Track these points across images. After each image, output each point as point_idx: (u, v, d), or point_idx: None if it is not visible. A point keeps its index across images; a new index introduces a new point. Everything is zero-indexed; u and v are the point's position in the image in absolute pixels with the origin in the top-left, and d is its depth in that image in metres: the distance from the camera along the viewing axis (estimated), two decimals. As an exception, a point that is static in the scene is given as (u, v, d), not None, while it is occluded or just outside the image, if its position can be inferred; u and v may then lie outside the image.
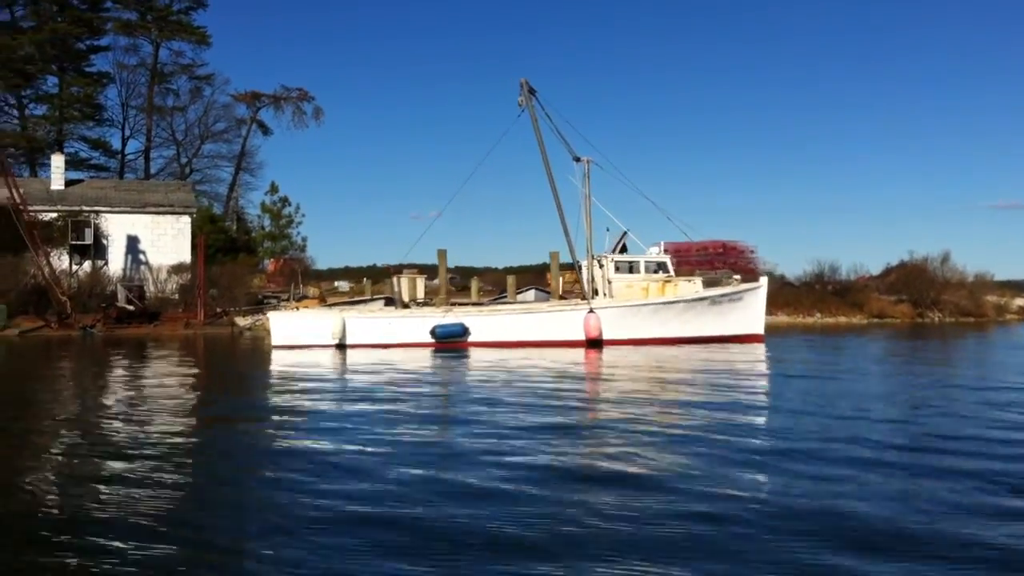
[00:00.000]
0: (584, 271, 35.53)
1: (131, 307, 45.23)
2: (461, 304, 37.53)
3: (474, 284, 44.95)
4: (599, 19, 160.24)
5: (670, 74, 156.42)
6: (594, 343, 33.06)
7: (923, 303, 59.98)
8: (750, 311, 35.51)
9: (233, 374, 26.06)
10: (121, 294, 46.06)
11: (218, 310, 48.08)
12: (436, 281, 69.23)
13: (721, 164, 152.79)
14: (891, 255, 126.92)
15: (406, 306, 36.69)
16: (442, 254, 38.69)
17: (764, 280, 36.91)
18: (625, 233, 36.97)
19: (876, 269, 69.79)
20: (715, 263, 65.92)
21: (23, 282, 45.51)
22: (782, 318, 56.90)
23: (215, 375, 25.48)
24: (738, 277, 37.19)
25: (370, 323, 33.21)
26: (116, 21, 78.50)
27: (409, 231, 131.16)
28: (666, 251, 66.23)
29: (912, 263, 64.08)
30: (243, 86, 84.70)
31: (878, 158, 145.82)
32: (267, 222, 78.46)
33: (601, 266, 35.16)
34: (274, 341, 32.89)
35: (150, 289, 51.96)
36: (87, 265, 52.01)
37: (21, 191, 52.24)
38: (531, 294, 43.45)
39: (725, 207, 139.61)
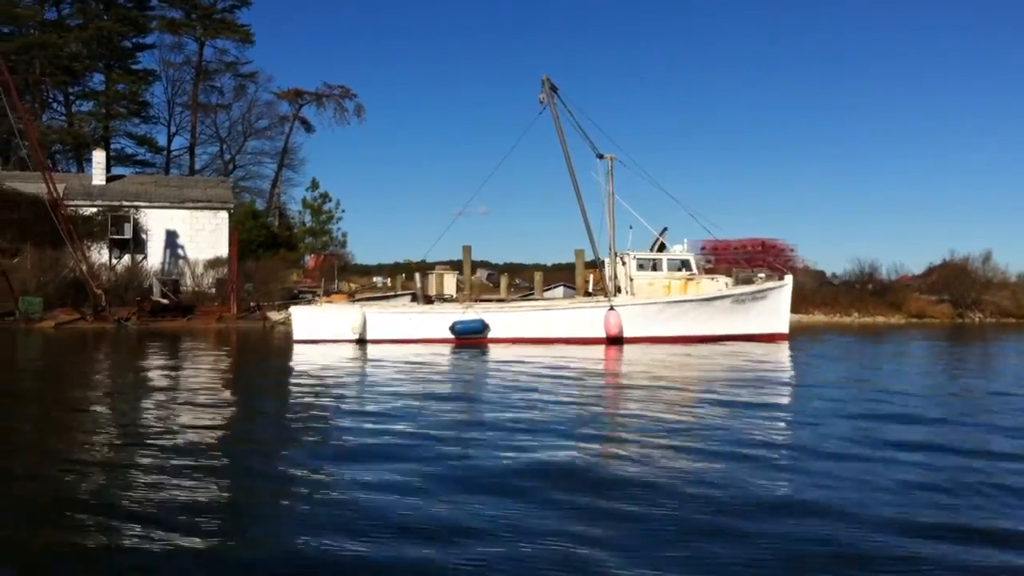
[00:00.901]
0: (607, 268, 35.43)
1: (165, 301, 45.87)
2: (483, 300, 37.58)
3: (503, 280, 45.04)
4: (638, 15, 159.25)
5: (709, 70, 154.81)
6: (614, 340, 32.94)
7: (963, 303, 58.95)
8: (774, 309, 35.19)
9: (250, 367, 26.37)
10: (156, 288, 46.73)
11: (252, 304, 48.61)
12: (475, 276, 69.71)
13: (762, 162, 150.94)
14: (934, 254, 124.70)
15: (429, 301, 36.84)
16: (467, 250, 38.90)
17: (789, 278, 36.51)
18: (664, 230, 36.86)
19: (919, 268, 68.91)
20: (754, 261, 65.53)
21: (62, 276, 46.33)
22: (819, 317, 56.29)
23: (230, 368, 25.77)
24: (763, 275, 36.85)
25: (390, 318, 33.39)
26: (161, 19, 79.90)
27: (453, 227, 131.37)
28: (702, 248, 66.74)
29: (953, 262, 63.09)
30: (286, 83, 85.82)
31: (922, 156, 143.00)
32: (308, 218, 79.22)
33: (624, 264, 35.02)
34: (295, 335, 33.21)
35: (187, 283, 52.74)
36: (126, 259, 52.96)
37: (63, 187, 53.39)
38: (559, 291, 43.43)
39: (767, 206, 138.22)
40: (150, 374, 22.98)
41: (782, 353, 30.52)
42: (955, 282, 60.17)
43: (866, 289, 61.74)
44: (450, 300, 38.65)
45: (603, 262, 35.71)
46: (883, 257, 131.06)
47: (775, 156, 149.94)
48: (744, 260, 66.07)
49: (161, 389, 19.20)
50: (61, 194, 52.00)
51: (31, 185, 49.20)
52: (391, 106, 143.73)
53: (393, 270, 76.85)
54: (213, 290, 51.27)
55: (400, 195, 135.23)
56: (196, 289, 52.26)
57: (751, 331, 34.41)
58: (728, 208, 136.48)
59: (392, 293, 42.11)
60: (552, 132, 35.48)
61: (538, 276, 43.46)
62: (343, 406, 16.43)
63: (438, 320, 33.10)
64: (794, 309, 56.70)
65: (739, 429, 13.28)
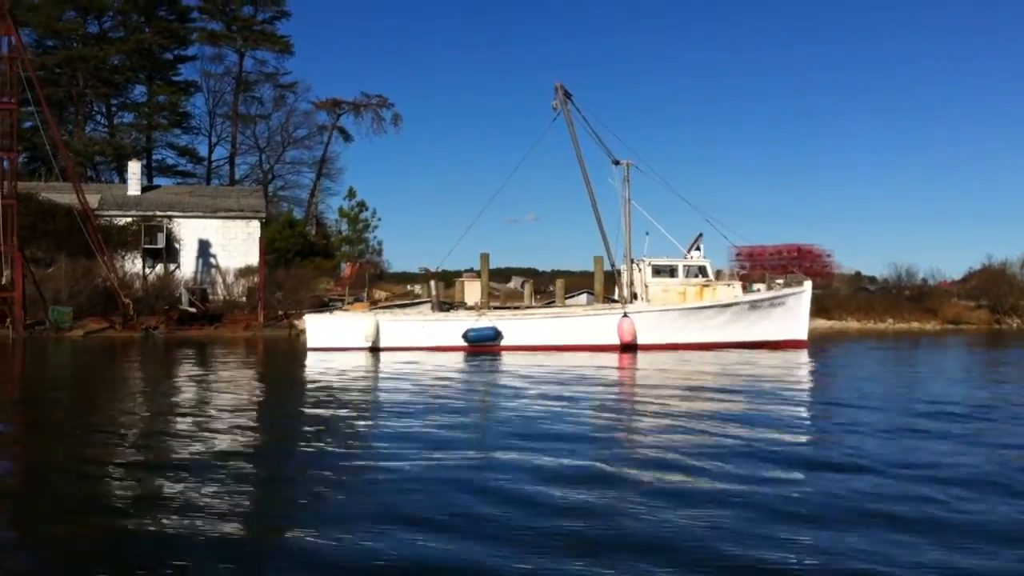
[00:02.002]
0: (624, 274, 35.29)
1: (192, 309, 46.46)
2: (497, 308, 37.56)
3: (527, 288, 44.92)
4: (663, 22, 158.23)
5: (737, 75, 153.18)
6: (628, 347, 32.79)
7: (1001, 309, 57.79)
8: (793, 315, 34.75)
9: (262, 376, 26.55)
10: (184, 297, 47.36)
11: (280, 312, 49.07)
12: (511, 284, 69.64)
13: (800, 167, 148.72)
14: (974, 259, 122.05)
15: (444, 309, 36.89)
16: (484, 258, 38.94)
17: (808, 284, 36.04)
18: (700, 235, 36.64)
19: (958, 273, 67.77)
20: (790, 267, 64.93)
21: (94, 285, 47.13)
22: (852, 324, 55.55)
23: (242, 375, 25.99)
24: (780, 281, 36.47)
25: (403, 326, 33.53)
26: (202, 31, 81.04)
27: (503, 234, 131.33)
28: (737, 255, 66.24)
29: (991, 267, 61.91)
30: (324, 93, 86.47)
31: (963, 160, 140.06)
32: (344, 226, 79.71)
33: (640, 270, 34.86)
34: (308, 343, 33.47)
35: (219, 292, 53.41)
36: (160, 268, 53.77)
37: (98, 197, 54.40)
38: (583, 298, 43.21)
39: (805, 212, 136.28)
40: (155, 382, 23.35)
41: (799, 360, 30.11)
42: (993, 287, 59.05)
43: (902, 295, 60.77)
44: (466, 307, 38.66)
45: (619, 270, 35.59)
46: (921, 262, 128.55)
47: (812, 161, 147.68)
48: (780, 266, 65.51)
49: (159, 395, 19.50)
50: (96, 204, 53.07)
51: (67, 196, 50.11)
52: (429, 114, 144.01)
53: (426, 278, 76.99)
54: (244, 299, 51.84)
55: (438, 203, 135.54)
56: (227, 298, 52.91)
57: (768, 337, 34.03)
58: (766, 214, 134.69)
59: (414, 301, 42.08)
60: (575, 138, 35.49)
61: (559, 283, 43.33)
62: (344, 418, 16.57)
63: (451, 328, 33.18)
64: (827, 315, 56.27)
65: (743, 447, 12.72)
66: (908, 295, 60.76)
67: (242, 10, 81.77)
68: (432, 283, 39.12)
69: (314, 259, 67.04)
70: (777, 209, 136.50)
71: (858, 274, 70.20)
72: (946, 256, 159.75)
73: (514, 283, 73.73)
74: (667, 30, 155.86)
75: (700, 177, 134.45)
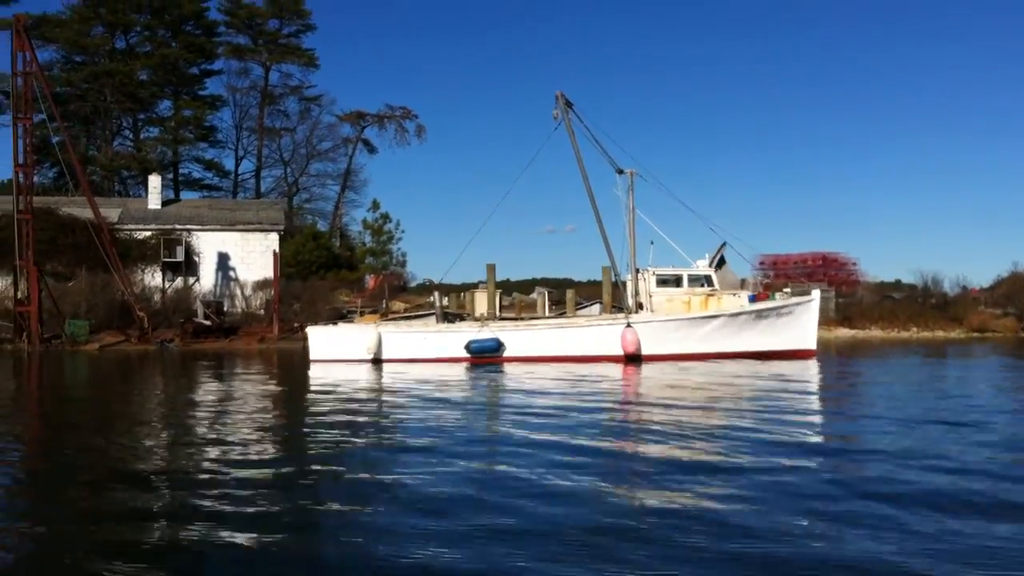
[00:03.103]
0: (629, 284, 35.01)
1: (207, 322, 46.75)
2: (503, 319, 37.41)
3: (540, 299, 44.76)
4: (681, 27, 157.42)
5: (766, 82, 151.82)
6: (633, 358, 32.47)
7: (1028, 316, 56.67)
8: (800, 325, 34.25)
9: (265, 389, 26.51)
10: (200, 310, 47.69)
11: (295, 325, 49.21)
12: (533, 295, 69.43)
13: (825, 175, 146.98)
14: (1001, 267, 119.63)
15: (449, 320, 36.80)
16: (491, 268, 38.94)
17: (816, 293, 35.51)
18: (723, 244, 36.33)
19: (986, 281, 66.57)
20: (815, 275, 64.25)
21: (112, 298, 47.58)
22: (876, 333, 54.76)
23: (245, 388, 25.99)
24: (788, 290, 35.98)
25: (405, 338, 33.43)
26: (228, 46, 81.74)
27: (541, 245, 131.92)
28: (760, 263, 65.62)
29: (1018, 274, 60.75)
30: (348, 106, 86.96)
31: (989, 165, 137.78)
32: (368, 238, 79.99)
33: (644, 280, 34.55)
34: (311, 356, 33.48)
35: (238, 304, 53.76)
36: (179, 281, 54.18)
37: (119, 211, 55.01)
38: (596, 308, 42.95)
39: (831, 220, 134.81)
40: (153, 394, 23.44)
41: (807, 371, 29.58)
42: (1020, 295, 57.92)
43: (928, 303, 59.82)
44: (465, 318, 38.53)
45: (624, 280, 35.33)
46: (948, 270, 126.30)
47: (838, 169, 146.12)
48: (805, 274, 64.85)
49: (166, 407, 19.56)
50: (117, 218, 53.66)
51: (88, 210, 50.65)
52: (452, 126, 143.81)
53: (450, 289, 77.04)
54: (262, 311, 52.11)
55: (463, 215, 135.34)
56: (246, 310, 53.26)
57: (775, 347, 33.55)
58: (789, 222, 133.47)
59: (421, 312, 42.00)
60: (577, 147, 35.27)
61: (569, 293, 43.17)
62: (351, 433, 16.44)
63: (453, 339, 33.02)
64: (851, 324, 55.55)
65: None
66: (933, 303, 59.78)
67: (267, 24, 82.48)
68: (436, 294, 39.11)
69: (339, 271, 67.33)
70: (800, 216, 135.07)
71: (868, 282, 69.07)
72: (975, 264, 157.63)
73: (536, 294, 73.61)
74: (683, 34, 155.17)
75: (711, 187, 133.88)
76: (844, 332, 54.90)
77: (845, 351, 42.01)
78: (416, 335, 33.78)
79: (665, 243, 35.07)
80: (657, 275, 34.34)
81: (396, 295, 64.63)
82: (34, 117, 44.53)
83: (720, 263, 36.02)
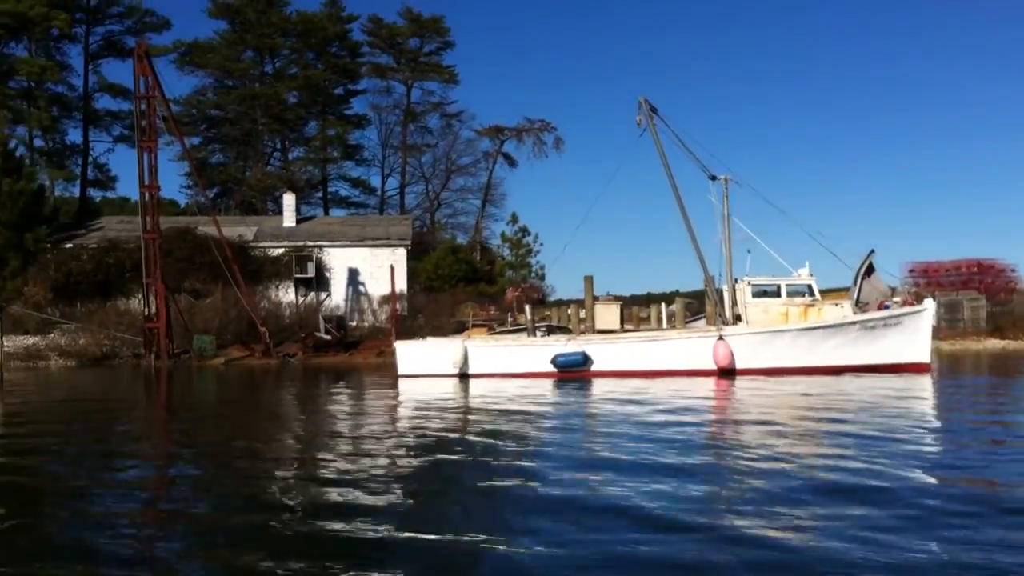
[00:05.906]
0: (726, 295, 33.73)
1: (327, 337, 47.87)
2: (594, 332, 36.64)
3: (652, 311, 43.63)
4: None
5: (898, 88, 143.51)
6: (726, 372, 31.23)
7: None
8: (912, 337, 32.04)
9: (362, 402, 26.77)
10: (321, 325, 48.92)
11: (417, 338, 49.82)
12: (673, 307, 68.16)
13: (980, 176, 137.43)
14: None
15: (535, 334, 36.23)
16: (588, 280, 38.26)
17: (929, 302, 33.21)
18: (872, 252, 34.77)
19: None
20: (969, 283, 60.60)
21: (242, 314, 49.39)
22: (1018, 344, 50.91)
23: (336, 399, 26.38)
24: (898, 300, 33.80)
25: (491, 352, 33.11)
26: (370, 65, 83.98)
27: (680, 258, 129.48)
28: (910, 271, 62.28)
29: None
30: (487, 120, 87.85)
31: None
32: (507, 252, 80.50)
33: (741, 291, 33.22)
34: (399, 370, 33.62)
35: (367, 318, 54.93)
36: (311, 297, 55.82)
37: (255, 229, 57.14)
38: (703, 322, 41.60)
39: (985, 225, 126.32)
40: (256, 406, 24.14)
41: (917, 387, 27.57)
42: None
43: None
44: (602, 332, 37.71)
45: (721, 290, 34.09)
46: None
47: (989, 170, 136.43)
48: (959, 282, 61.32)
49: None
50: (252, 236, 55.75)
51: (227, 230, 52.78)
52: (591, 137, 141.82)
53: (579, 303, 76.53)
54: (388, 325, 53.01)
55: (601, 228, 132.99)
56: (374, 324, 54.34)
57: (882, 361, 31.51)
58: (940, 227, 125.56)
59: (524, 326, 41.53)
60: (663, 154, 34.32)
61: (678, 303, 42.00)
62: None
63: (539, 353, 32.51)
64: (1001, 335, 51.92)
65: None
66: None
67: (408, 43, 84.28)
68: (528, 307, 38.75)
69: (478, 285, 68.01)
70: (952, 222, 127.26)
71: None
72: None
73: (677, 305, 72.15)
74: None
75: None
76: (994, 343, 51.45)
77: (975, 365, 39.15)
78: (502, 349, 33.49)
79: (763, 251, 33.58)
80: (753, 285, 32.94)
81: (534, 309, 64.68)
82: (190, 141, 46.78)
83: (869, 270, 34.22)
